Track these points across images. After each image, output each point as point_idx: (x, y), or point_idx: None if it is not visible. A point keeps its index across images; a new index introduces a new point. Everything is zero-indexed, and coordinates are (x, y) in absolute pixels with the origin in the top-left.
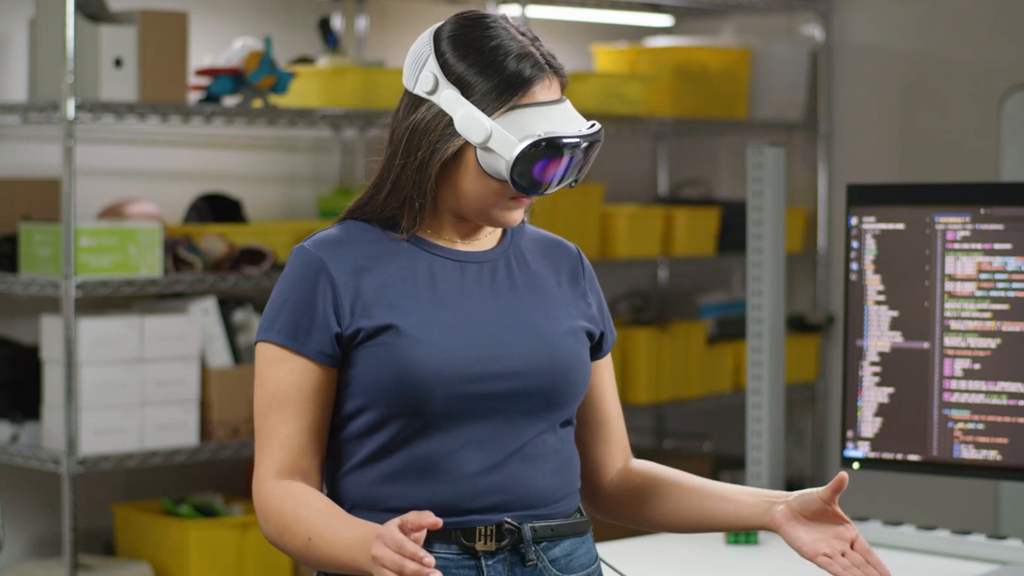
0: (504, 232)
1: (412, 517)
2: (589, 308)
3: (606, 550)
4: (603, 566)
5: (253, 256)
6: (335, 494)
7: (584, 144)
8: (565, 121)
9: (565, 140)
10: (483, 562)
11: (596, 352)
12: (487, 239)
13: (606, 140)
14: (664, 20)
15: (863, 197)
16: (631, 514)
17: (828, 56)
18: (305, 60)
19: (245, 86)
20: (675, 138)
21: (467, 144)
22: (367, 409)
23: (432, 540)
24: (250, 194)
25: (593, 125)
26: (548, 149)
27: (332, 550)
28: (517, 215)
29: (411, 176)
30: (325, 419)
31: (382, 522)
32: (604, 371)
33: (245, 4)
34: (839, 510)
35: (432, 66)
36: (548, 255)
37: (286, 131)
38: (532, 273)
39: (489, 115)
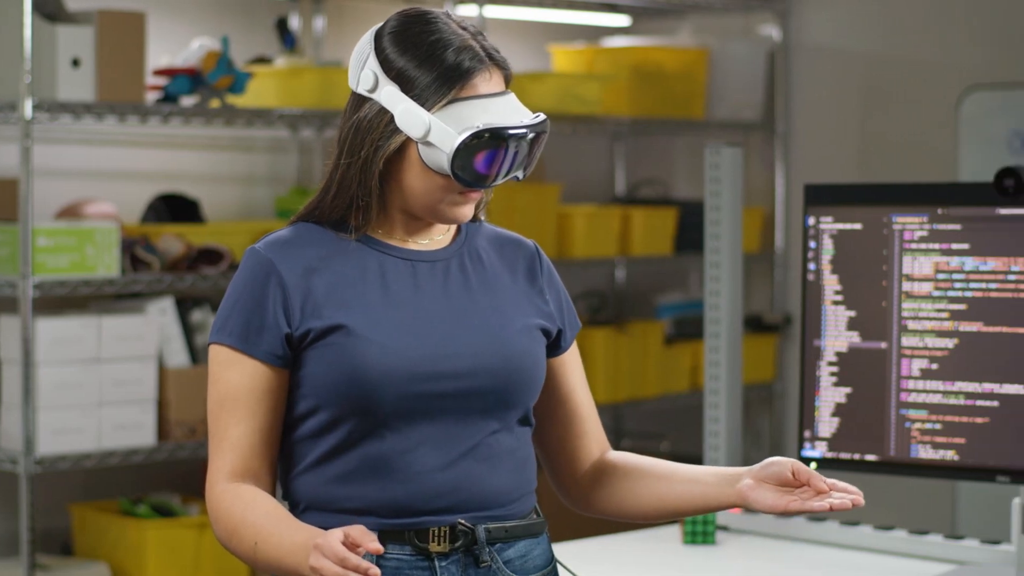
0: (458, 231)
1: (356, 534)
2: (546, 305)
3: (563, 551)
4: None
5: (211, 256)
6: (289, 495)
7: (531, 135)
8: (508, 113)
9: (505, 131)
10: (436, 563)
11: (555, 349)
12: (441, 238)
13: (563, 140)
14: (621, 20)
15: (820, 197)
16: (605, 506)
17: (785, 56)
18: (263, 60)
19: (203, 86)
20: (632, 138)
21: (409, 140)
22: (319, 410)
23: (385, 541)
24: (207, 194)
25: (538, 116)
26: (489, 141)
27: (277, 554)
28: (466, 210)
29: (356, 175)
30: (277, 420)
31: (337, 523)
32: (570, 365)
33: (203, 4)
34: (811, 479)
35: (372, 64)
36: (504, 253)
37: (243, 131)
38: (486, 272)
39: (429, 109)
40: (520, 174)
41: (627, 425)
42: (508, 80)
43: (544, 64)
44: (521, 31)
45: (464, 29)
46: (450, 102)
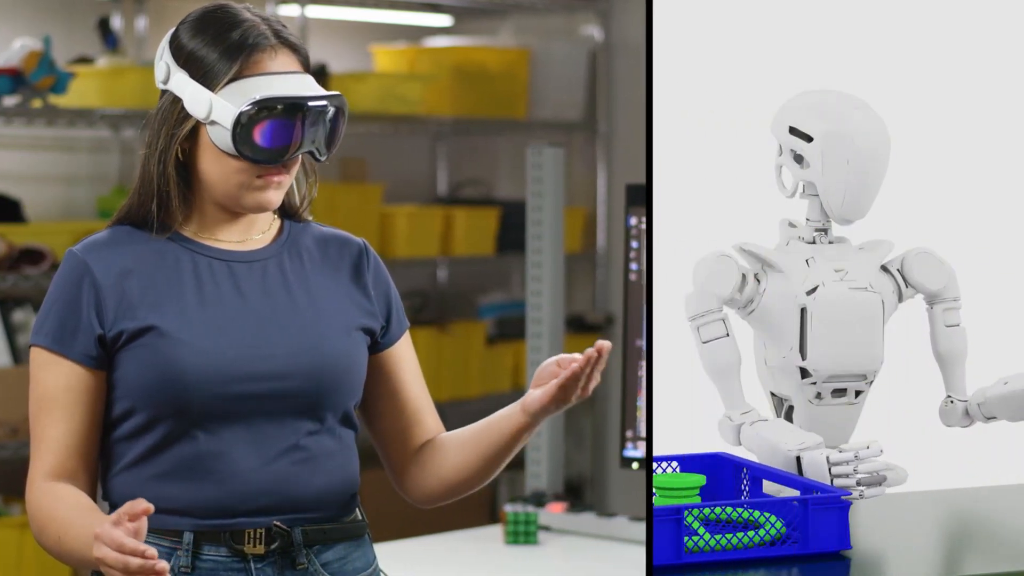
0: (280, 231)
1: (124, 508)
2: (370, 304)
3: (385, 551)
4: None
5: (32, 256)
6: (107, 495)
7: (330, 111)
8: (296, 89)
9: (283, 100)
10: (252, 565)
11: (380, 345)
12: (260, 237)
13: (385, 140)
14: (443, 20)
15: (642, 197)
16: (433, 487)
17: (607, 56)
18: (85, 60)
19: (24, 86)
20: (454, 138)
21: (200, 124)
22: (135, 411)
23: (201, 542)
24: (29, 194)
25: (332, 93)
26: (274, 113)
27: (77, 547)
28: (270, 196)
29: (155, 167)
30: (95, 421)
31: (152, 522)
32: (400, 358)
33: (24, 4)
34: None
35: (166, 55)
36: (328, 252)
37: (65, 131)
38: (307, 272)
39: (213, 89)
40: (321, 156)
41: (450, 425)
42: (305, 65)
43: (366, 64)
44: (343, 31)
45: (257, 15)
46: (233, 79)
